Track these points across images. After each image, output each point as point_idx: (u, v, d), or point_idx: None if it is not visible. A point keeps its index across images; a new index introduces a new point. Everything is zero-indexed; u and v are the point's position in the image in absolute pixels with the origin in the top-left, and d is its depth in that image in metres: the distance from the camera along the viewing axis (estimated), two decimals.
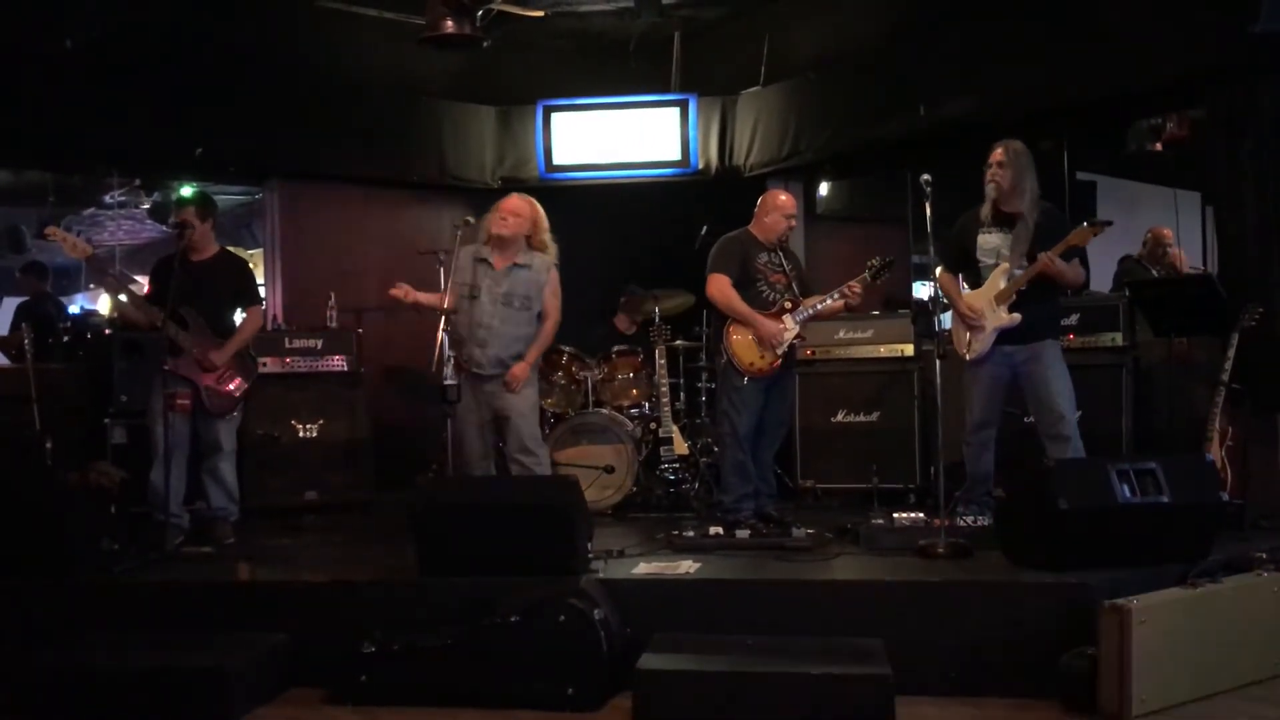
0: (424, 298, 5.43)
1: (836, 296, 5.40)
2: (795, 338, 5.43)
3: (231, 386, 5.39)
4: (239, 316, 5.64)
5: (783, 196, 5.67)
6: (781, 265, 5.53)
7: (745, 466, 5.48)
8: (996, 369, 5.09)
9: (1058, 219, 5.07)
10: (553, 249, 5.46)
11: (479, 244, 5.42)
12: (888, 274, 5.49)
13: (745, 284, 5.46)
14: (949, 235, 5.24)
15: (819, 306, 5.43)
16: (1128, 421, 5.75)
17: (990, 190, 5.05)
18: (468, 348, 5.30)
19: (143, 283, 6.63)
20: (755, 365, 5.39)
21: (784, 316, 5.41)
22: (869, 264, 5.42)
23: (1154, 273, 7.37)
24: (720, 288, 5.44)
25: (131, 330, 5.99)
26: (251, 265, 6.87)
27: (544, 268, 5.41)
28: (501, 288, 5.31)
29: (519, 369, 5.33)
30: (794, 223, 5.60)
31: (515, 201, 5.42)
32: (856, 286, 5.38)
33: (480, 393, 5.33)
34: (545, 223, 5.46)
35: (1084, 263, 5.22)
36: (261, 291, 8.31)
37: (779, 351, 5.38)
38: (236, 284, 5.59)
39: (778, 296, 5.46)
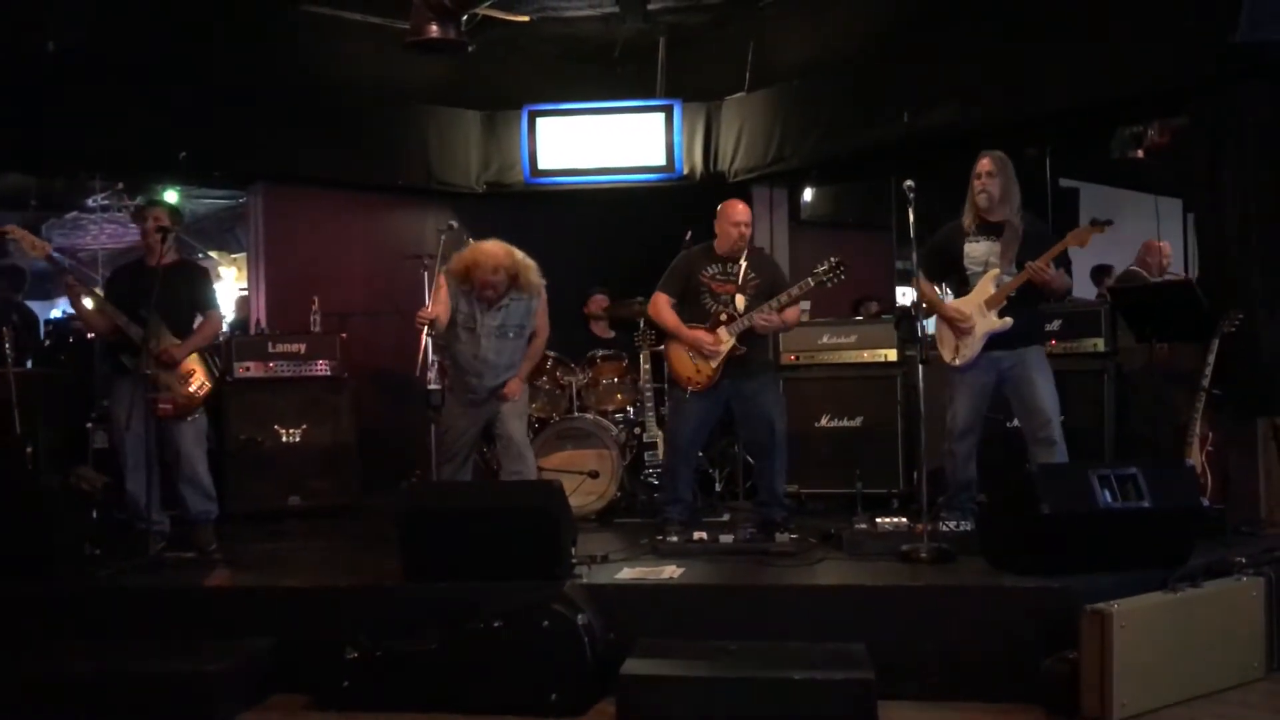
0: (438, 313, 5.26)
1: (768, 311, 5.26)
2: (733, 350, 5.29)
3: (192, 388, 5.30)
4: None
5: (736, 207, 5.48)
6: (734, 275, 5.43)
7: (675, 473, 5.55)
8: (983, 375, 5.11)
9: (1041, 227, 5.12)
10: (538, 276, 5.33)
11: (457, 281, 5.23)
12: (840, 277, 5.21)
13: (689, 298, 5.45)
14: (930, 245, 5.25)
15: (755, 319, 5.27)
16: (1109, 427, 5.77)
17: (982, 200, 5.05)
18: (465, 376, 5.31)
19: None
20: (694, 379, 5.38)
21: (719, 329, 5.33)
22: (814, 270, 5.23)
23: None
24: (656, 307, 5.50)
25: (92, 333, 5.92)
26: (214, 273, 6.84)
27: (535, 292, 5.34)
28: (495, 321, 5.26)
29: (514, 385, 5.37)
30: (746, 230, 5.43)
31: (489, 275, 5.15)
32: (786, 301, 5.26)
33: (471, 410, 5.35)
34: (527, 264, 5.25)
35: (1067, 271, 5.24)
36: (244, 296, 8.32)
37: (714, 364, 5.33)
38: (194, 290, 5.50)
39: (719, 308, 5.39)
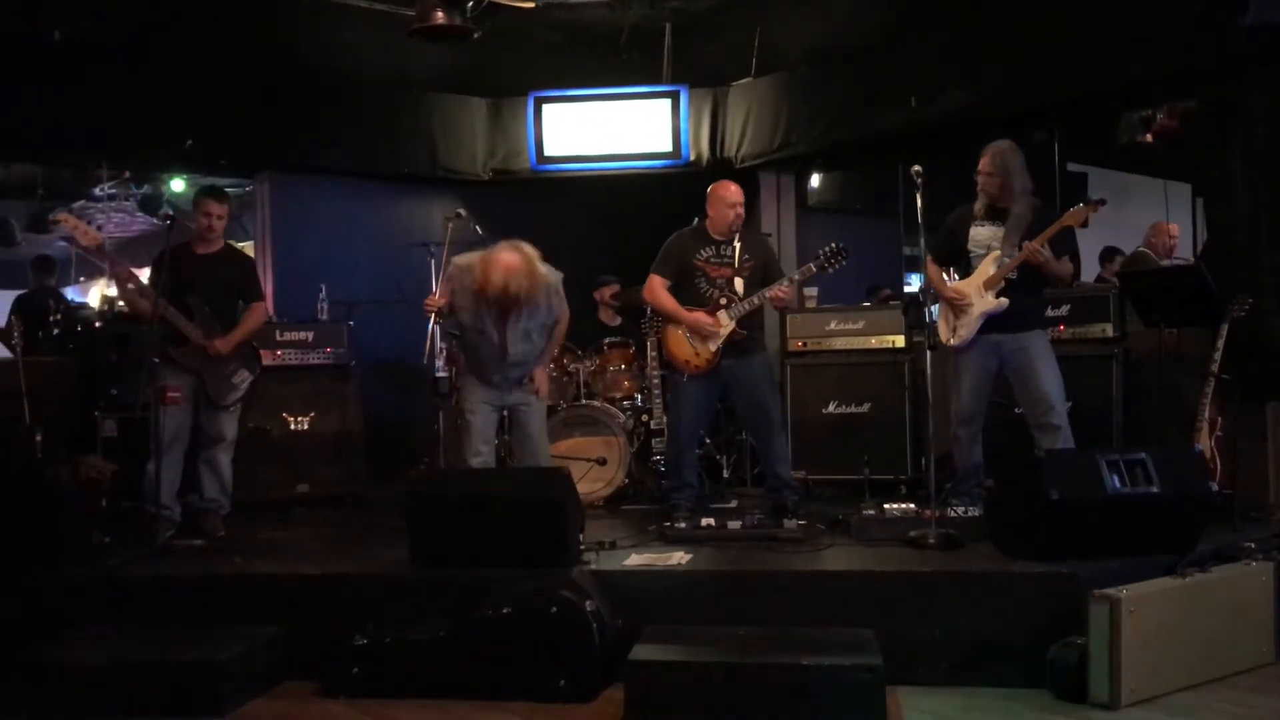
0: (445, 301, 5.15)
1: (766, 295, 5.33)
2: (733, 333, 5.35)
3: (236, 378, 5.41)
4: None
5: (729, 188, 5.50)
6: (730, 258, 5.45)
7: (679, 459, 5.58)
8: (984, 359, 5.11)
9: (1048, 213, 5.10)
10: (555, 276, 5.08)
11: (474, 288, 4.92)
12: (841, 262, 5.32)
13: (683, 281, 5.48)
14: (942, 228, 5.27)
15: (755, 301, 5.36)
16: (1117, 412, 5.75)
17: (982, 197, 5.12)
18: (488, 370, 5.11)
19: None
20: (692, 363, 5.42)
21: (719, 312, 5.38)
22: (819, 252, 5.37)
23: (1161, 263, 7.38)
24: (652, 289, 5.51)
25: (136, 320, 5.92)
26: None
27: (555, 290, 5.11)
28: (520, 325, 5.03)
29: (540, 376, 5.25)
30: (741, 211, 5.47)
31: (501, 294, 4.84)
32: (786, 286, 5.37)
33: (494, 394, 5.18)
34: (546, 279, 4.97)
35: (1075, 258, 5.22)
36: None
37: (714, 347, 5.37)
38: (241, 278, 5.61)
39: (716, 292, 5.42)
